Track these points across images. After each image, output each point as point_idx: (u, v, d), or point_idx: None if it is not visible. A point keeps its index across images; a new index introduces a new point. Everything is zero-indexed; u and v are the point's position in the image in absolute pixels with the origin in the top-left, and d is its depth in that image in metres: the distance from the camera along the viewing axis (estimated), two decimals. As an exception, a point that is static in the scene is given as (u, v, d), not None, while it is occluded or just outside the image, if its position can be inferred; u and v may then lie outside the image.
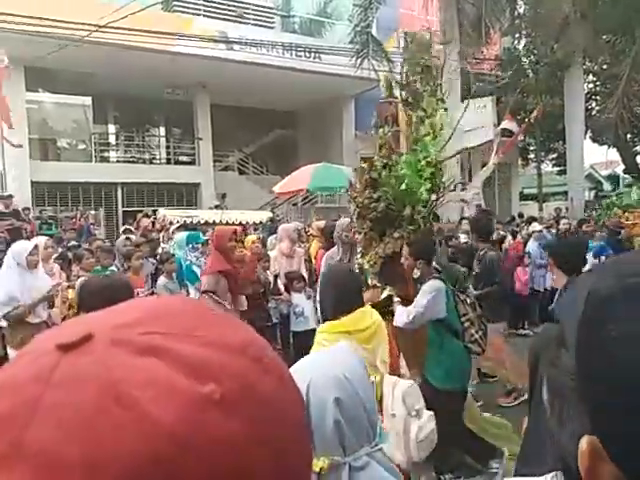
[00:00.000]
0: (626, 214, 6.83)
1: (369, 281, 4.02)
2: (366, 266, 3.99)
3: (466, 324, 3.65)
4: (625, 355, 0.37)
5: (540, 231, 7.57)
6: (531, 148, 20.01)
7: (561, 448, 0.75)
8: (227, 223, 7.99)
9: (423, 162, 3.79)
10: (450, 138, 4.09)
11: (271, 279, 5.71)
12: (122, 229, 9.05)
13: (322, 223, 6.79)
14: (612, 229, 6.74)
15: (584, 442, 0.41)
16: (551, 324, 2.48)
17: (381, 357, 2.38)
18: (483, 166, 12.26)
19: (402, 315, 3.39)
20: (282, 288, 5.74)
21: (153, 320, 0.33)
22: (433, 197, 3.84)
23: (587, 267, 6.55)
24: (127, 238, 6.99)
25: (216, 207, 12.84)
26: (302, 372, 1.09)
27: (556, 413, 0.79)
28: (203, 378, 0.31)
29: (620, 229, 6.38)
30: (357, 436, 1.04)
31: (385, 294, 3.80)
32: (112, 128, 18.35)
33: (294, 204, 16.24)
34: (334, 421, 1.02)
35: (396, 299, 3.61)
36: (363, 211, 3.96)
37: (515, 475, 1.11)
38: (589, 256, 6.72)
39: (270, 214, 9.90)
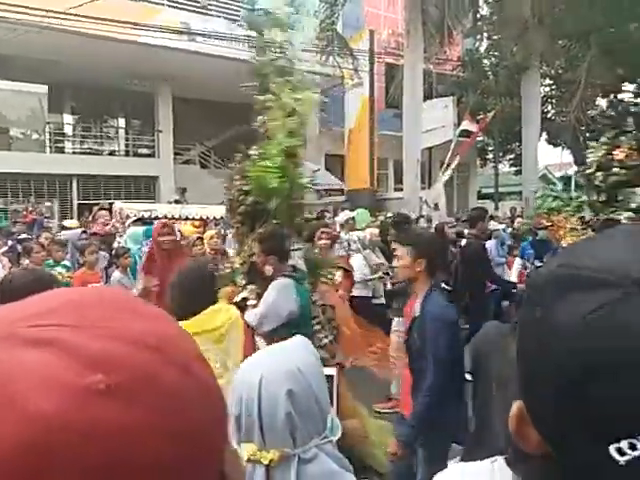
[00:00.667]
0: (551, 217, 7.24)
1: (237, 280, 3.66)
2: (237, 265, 3.70)
3: (316, 327, 3.49)
4: (541, 334, 0.41)
5: (497, 230, 7.75)
6: (489, 149, 20.53)
7: (507, 434, 0.77)
8: (187, 218, 7.85)
9: (275, 150, 3.48)
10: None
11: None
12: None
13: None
14: (533, 230, 7.16)
15: (514, 407, 0.45)
16: (493, 322, 2.53)
17: (234, 358, 2.27)
18: (442, 165, 12.50)
19: (250, 317, 3.15)
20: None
21: (54, 312, 0.33)
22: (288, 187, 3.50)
23: (516, 266, 6.83)
24: (83, 232, 6.78)
25: (176, 202, 12.62)
26: (254, 366, 1.09)
27: (501, 402, 0.82)
28: (93, 369, 0.31)
29: (539, 230, 6.79)
30: (308, 428, 1.05)
31: (243, 294, 3.45)
32: (69, 118, 17.72)
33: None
34: (285, 413, 1.03)
35: (251, 301, 3.33)
36: (233, 204, 3.71)
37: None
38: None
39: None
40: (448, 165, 11.51)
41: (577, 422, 0.38)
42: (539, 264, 6.09)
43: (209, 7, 15.30)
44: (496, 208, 15.79)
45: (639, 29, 12.76)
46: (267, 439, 1.04)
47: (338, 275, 5.06)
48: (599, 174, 5.75)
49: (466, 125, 12.07)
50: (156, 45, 13.27)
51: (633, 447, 0.35)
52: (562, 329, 0.38)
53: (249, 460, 1.04)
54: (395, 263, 2.80)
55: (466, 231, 7.13)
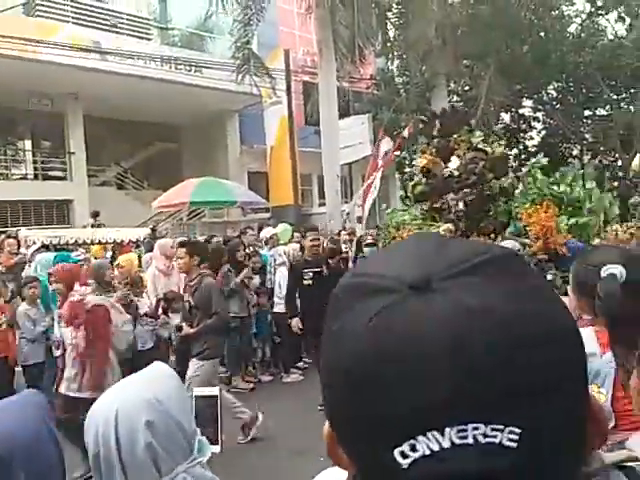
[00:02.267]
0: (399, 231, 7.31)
1: None
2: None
3: None
4: (334, 345, 0.41)
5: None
6: (406, 162, 21.38)
7: None
8: (100, 242, 7.53)
9: None
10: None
11: (148, 301, 5.47)
12: None
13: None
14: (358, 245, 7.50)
15: (325, 426, 0.43)
16: None
17: None
18: (363, 179, 12.87)
19: None
20: (160, 310, 5.53)
21: None
22: None
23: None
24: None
25: (92, 226, 12.07)
26: (109, 401, 1.06)
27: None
28: None
29: (367, 246, 6.93)
30: (172, 455, 1.03)
31: None
32: (-32, 141, 16.53)
33: (179, 219, 15.77)
34: (145, 444, 1.00)
35: None
36: None
37: None
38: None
39: (149, 230, 9.50)
40: (370, 184, 11.84)
41: (364, 430, 0.38)
42: None
43: (119, 25, 14.95)
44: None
45: (531, 51, 13.90)
46: (129, 473, 1.00)
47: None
48: (410, 184, 5.50)
49: (385, 145, 12.39)
50: (63, 63, 12.75)
51: (413, 448, 0.35)
52: (348, 336, 0.39)
53: None
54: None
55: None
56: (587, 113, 18.17)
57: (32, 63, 12.20)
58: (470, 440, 0.35)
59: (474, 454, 0.35)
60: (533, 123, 19.53)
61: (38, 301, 5.60)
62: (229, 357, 6.49)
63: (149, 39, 16.08)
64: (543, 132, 19.46)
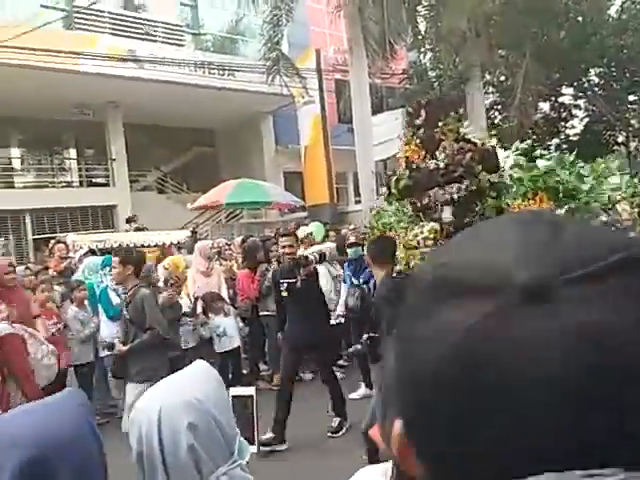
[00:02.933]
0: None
1: None
2: None
3: None
4: (421, 346, 0.35)
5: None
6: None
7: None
8: (142, 245, 7.77)
9: None
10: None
11: (188, 301, 5.61)
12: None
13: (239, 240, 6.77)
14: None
15: (396, 425, 0.37)
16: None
17: None
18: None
19: None
20: (199, 310, 5.67)
21: None
22: None
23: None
24: (27, 268, 6.63)
25: (136, 229, 12.43)
26: (152, 401, 1.07)
27: (382, 410, 0.86)
28: None
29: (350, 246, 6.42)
30: (213, 458, 1.03)
31: None
32: (16, 152, 17.31)
33: (217, 221, 16.06)
34: (188, 446, 1.00)
35: None
36: None
37: None
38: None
39: (189, 233, 9.73)
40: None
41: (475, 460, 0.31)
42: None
43: (153, 33, 15.33)
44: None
45: (568, 36, 13.46)
46: (172, 475, 1.01)
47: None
48: (393, 179, 4.89)
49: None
50: (102, 73, 13.18)
51: None
52: (438, 345, 0.32)
53: None
54: None
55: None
56: (632, 98, 17.42)
57: (73, 75, 12.66)
58: None
59: None
60: (574, 111, 18.88)
61: (86, 303, 5.85)
62: (270, 354, 6.59)
63: (182, 45, 16.43)
64: (585, 120, 18.80)
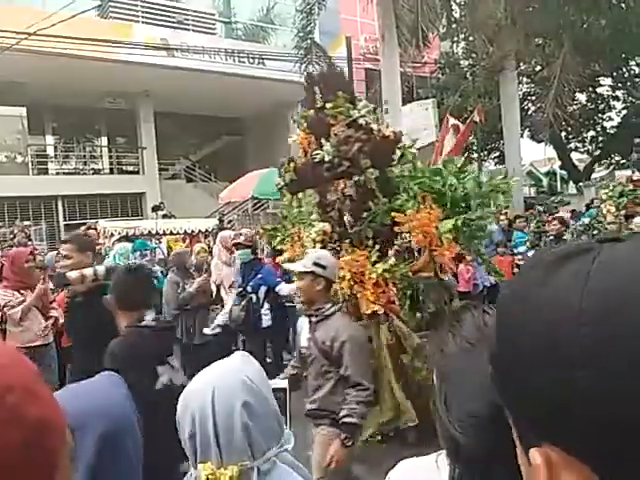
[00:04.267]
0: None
1: None
2: None
3: None
4: (532, 324, 0.36)
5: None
6: (474, 147, 20.69)
7: (446, 431, 0.79)
8: (171, 233, 7.84)
9: None
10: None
11: (213, 288, 5.63)
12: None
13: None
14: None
15: (535, 455, 0.35)
16: None
17: None
18: (428, 166, 12.53)
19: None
20: (225, 297, 5.67)
21: None
22: None
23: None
24: (58, 253, 6.72)
25: (164, 216, 12.58)
26: (203, 383, 1.08)
27: (442, 398, 0.83)
28: None
29: None
30: (265, 439, 1.04)
31: None
32: (50, 139, 17.67)
33: (244, 210, 16.12)
34: (242, 424, 1.02)
35: None
36: None
37: None
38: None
39: (217, 221, 9.78)
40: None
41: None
42: None
43: (185, 21, 15.37)
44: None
45: (609, 25, 12.96)
46: (225, 454, 1.02)
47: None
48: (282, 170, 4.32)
49: (454, 129, 11.74)
50: (134, 62, 13.29)
51: None
52: (566, 310, 0.33)
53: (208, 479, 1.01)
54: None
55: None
56: (674, 90, 16.77)
57: (106, 64, 12.80)
58: None
59: None
60: (612, 102, 18.27)
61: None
62: (294, 344, 6.58)
63: (214, 34, 16.44)
64: (623, 112, 18.17)
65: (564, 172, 21.01)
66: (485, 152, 20.28)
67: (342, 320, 2.68)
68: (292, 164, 4.10)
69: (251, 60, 15.51)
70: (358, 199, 3.83)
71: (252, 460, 1.03)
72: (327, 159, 3.86)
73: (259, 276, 5.11)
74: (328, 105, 3.97)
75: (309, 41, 12.25)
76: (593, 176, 18.32)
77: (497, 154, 21.78)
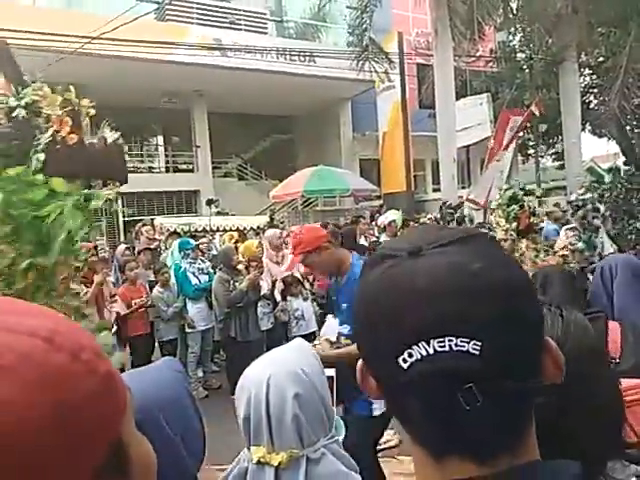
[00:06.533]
0: None
1: None
2: None
3: None
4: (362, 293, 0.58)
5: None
6: (530, 143, 19.96)
7: None
8: (225, 229, 7.99)
9: None
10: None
11: (265, 284, 5.67)
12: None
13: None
14: None
15: (359, 361, 0.59)
16: None
17: None
18: (482, 163, 12.21)
19: None
20: (278, 295, 5.71)
21: None
22: None
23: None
24: (127, 248, 6.99)
25: (218, 213, 12.84)
26: (261, 368, 1.12)
27: None
28: None
29: None
30: (314, 429, 1.08)
31: None
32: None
33: (294, 208, 16.25)
34: (293, 415, 1.05)
35: None
36: None
37: None
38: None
39: (267, 219, 9.91)
40: (484, 161, 11.17)
41: (379, 350, 0.54)
42: None
43: (237, 21, 15.62)
44: (539, 204, 15.26)
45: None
46: (276, 440, 1.06)
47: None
48: None
49: (512, 122, 11.20)
50: (190, 63, 13.63)
51: (410, 355, 0.50)
52: (370, 286, 0.56)
53: (259, 462, 1.06)
54: None
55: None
56: None
57: (164, 65, 13.19)
58: (447, 348, 0.49)
59: (449, 357, 0.49)
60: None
61: (172, 283, 6.07)
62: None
63: (265, 33, 16.63)
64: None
65: (627, 168, 19.96)
66: (544, 148, 19.52)
67: None
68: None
69: (302, 58, 15.59)
70: None
71: (301, 449, 1.07)
72: None
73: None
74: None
75: (365, 39, 12.12)
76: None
77: (555, 150, 20.94)
